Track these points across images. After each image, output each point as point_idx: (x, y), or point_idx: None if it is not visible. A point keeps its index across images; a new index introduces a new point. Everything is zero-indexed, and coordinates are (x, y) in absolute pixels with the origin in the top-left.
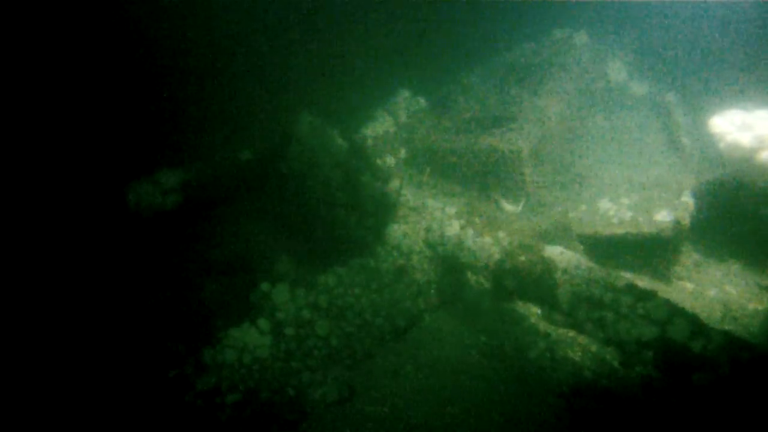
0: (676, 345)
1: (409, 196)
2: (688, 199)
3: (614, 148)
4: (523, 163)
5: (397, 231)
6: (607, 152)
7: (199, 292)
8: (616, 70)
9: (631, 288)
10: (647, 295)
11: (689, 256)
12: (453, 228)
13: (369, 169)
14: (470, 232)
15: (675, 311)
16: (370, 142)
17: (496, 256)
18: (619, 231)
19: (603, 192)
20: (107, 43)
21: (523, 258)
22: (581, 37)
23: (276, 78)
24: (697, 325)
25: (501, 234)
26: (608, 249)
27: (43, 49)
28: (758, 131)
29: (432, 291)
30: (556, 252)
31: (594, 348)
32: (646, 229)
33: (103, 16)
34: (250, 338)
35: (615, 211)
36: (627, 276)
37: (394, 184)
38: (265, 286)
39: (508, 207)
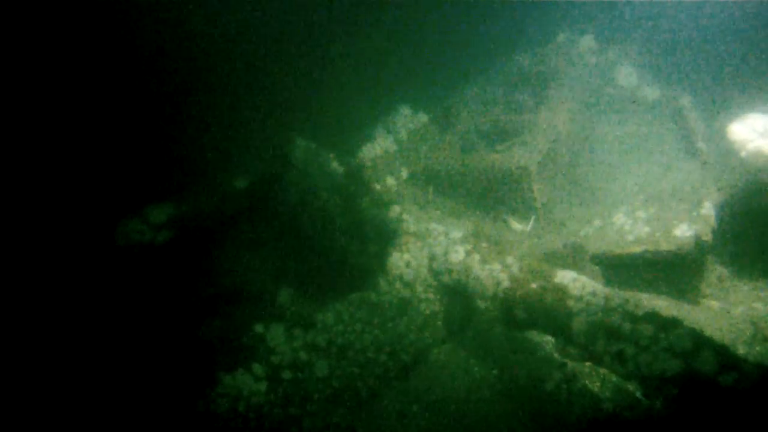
0: (703, 379)
1: (411, 220)
2: (708, 211)
3: (627, 157)
4: (531, 180)
5: (399, 260)
6: (620, 161)
7: (195, 331)
8: (626, 75)
9: (651, 316)
10: (670, 324)
11: (713, 271)
12: (458, 254)
13: (368, 194)
14: (477, 257)
15: (701, 342)
16: (368, 163)
17: (505, 284)
18: (636, 250)
19: (617, 204)
20: (90, 66)
21: (533, 285)
22: (587, 41)
23: (269, 100)
24: (726, 357)
25: (509, 259)
26: (625, 269)
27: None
28: None
29: (438, 322)
30: (568, 278)
31: (614, 378)
32: (665, 246)
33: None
34: (245, 385)
35: (630, 225)
36: (646, 299)
37: (394, 210)
38: (259, 327)
39: (517, 226)
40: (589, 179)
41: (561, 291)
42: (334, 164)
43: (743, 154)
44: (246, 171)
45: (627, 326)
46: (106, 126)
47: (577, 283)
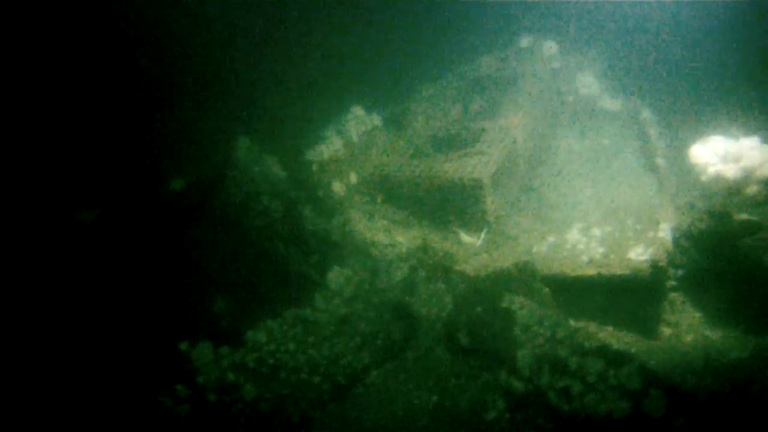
0: (652, 423)
1: (355, 230)
2: (665, 234)
3: (585, 169)
4: (484, 192)
5: (339, 275)
6: (578, 173)
7: (118, 346)
8: (588, 84)
9: (601, 350)
10: (619, 359)
11: (666, 296)
12: (403, 270)
13: (311, 202)
14: (422, 275)
15: (651, 379)
16: (315, 167)
17: (449, 306)
18: (589, 272)
19: (573, 219)
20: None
21: (479, 309)
22: (550, 47)
23: (212, 97)
24: (677, 396)
25: (456, 278)
26: (578, 292)
27: None
28: (745, 163)
29: (379, 342)
30: (516, 303)
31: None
32: (619, 270)
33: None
34: (166, 409)
35: (585, 244)
36: (596, 329)
37: (338, 220)
38: (184, 345)
39: (468, 239)
40: (545, 191)
41: (508, 317)
42: (276, 168)
43: (703, 178)
44: (185, 172)
45: (575, 360)
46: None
47: (524, 310)
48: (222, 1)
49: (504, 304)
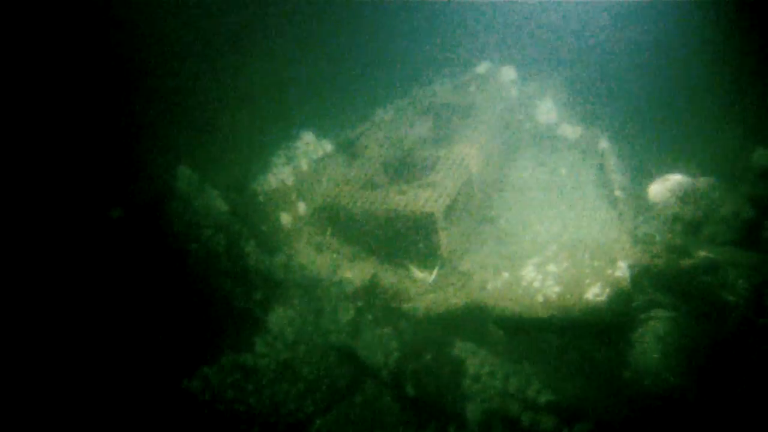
0: None
1: (303, 264)
2: (623, 273)
3: (543, 200)
4: (437, 227)
5: (281, 316)
6: (535, 204)
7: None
8: (546, 111)
9: (554, 406)
10: (574, 415)
11: (625, 337)
12: (349, 312)
13: (255, 236)
14: (368, 318)
15: None
16: (261, 198)
17: (396, 354)
18: (544, 314)
19: (529, 252)
20: None
21: (428, 357)
22: (508, 73)
23: (153, 122)
24: None
25: (403, 324)
26: (533, 333)
27: None
28: (702, 203)
29: (323, 388)
30: (467, 350)
31: None
32: (576, 312)
33: None
34: None
35: (540, 282)
36: (548, 378)
37: (282, 257)
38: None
39: (420, 274)
40: (500, 223)
41: (457, 367)
42: (219, 201)
43: (662, 217)
44: (125, 200)
45: (527, 417)
46: None
47: (475, 358)
48: (164, 18)
49: (454, 351)
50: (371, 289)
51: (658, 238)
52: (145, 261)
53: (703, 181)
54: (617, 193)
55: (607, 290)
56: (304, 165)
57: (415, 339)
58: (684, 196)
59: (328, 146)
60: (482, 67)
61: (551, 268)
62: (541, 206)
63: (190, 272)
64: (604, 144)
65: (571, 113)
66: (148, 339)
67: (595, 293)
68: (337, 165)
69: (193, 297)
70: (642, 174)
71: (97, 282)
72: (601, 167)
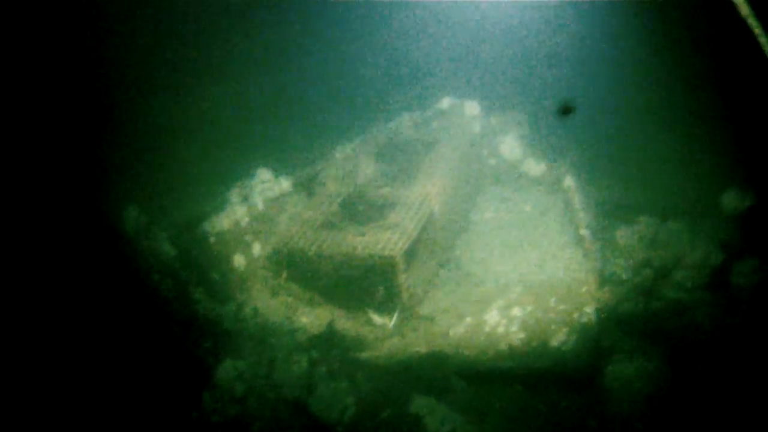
0: None
1: (257, 309)
2: (590, 318)
3: (507, 239)
4: (397, 271)
5: (230, 369)
6: (499, 243)
7: None
8: (510, 147)
9: None
10: None
11: (594, 386)
12: (302, 364)
13: (204, 282)
14: (323, 370)
15: None
16: (213, 240)
17: (352, 410)
18: (508, 364)
19: (493, 295)
20: None
21: (385, 414)
22: (472, 108)
23: (97, 157)
24: None
25: (360, 376)
26: (496, 384)
27: None
28: (672, 247)
29: None
30: (427, 406)
31: None
32: (542, 361)
33: None
34: None
35: (505, 327)
36: None
37: (233, 304)
38: None
39: (379, 320)
40: (464, 263)
41: (415, 426)
42: (166, 244)
43: (630, 262)
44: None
45: None
46: None
47: (435, 416)
48: (112, 42)
49: (413, 408)
50: (328, 337)
51: (624, 277)
52: (88, 308)
53: (672, 225)
54: (583, 231)
55: (574, 337)
56: (260, 204)
57: (373, 393)
58: (653, 241)
59: (285, 184)
60: (444, 103)
61: (516, 312)
62: (505, 245)
63: (135, 319)
64: (569, 181)
65: (535, 148)
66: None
67: (561, 340)
68: (295, 204)
69: (139, 345)
70: (608, 211)
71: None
72: (567, 204)
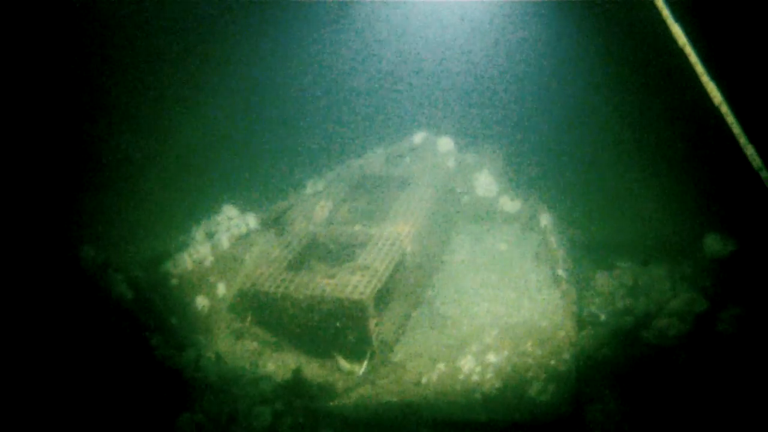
0: None
1: (219, 354)
2: (569, 367)
3: (482, 279)
4: (367, 315)
5: (188, 424)
6: (474, 284)
7: None
8: (485, 183)
9: None
10: None
11: None
12: (265, 418)
13: (163, 327)
14: (287, 423)
15: None
16: (174, 281)
17: None
18: (483, 417)
19: (468, 339)
20: None
21: None
22: (445, 143)
23: (52, 193)
24: None
25: (327, 429)
26: None
27: None
28: (655, 295)
29: None
30: None
31: None
32: (519, 414)
33: None
34: None
35: (479, 375)
36: None
37: (191, 352)
38: None
39: (349, 366)
40: (436, 306)
41: None
42: (123, 286)
43: (610, 308)
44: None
45: None
46: None
47: None
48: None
49: None
50: (294, 386)
51: (603, 318)
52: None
53: (653, 270)
54: (560, 272)
55: (551, 387)
56: (225, 242)
57: None
58: (634, 287)
59: (252, 221)
60: (418, 137)
61: (491, 357)
62: (480, 286)
63: (86, 368)
64: (545, 218)
65: (510, 185)
66: None
67: (538, 389)
68: (262, 242)
69: (87, 396)
70: (586, 250)
71: None
72: (543, 243)
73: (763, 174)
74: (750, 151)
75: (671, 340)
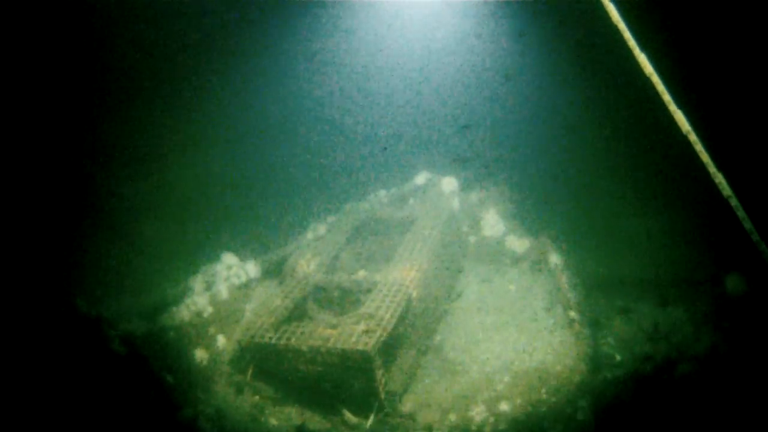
0: None
1: (219, 411)
2: (585, 416)
3: (491, 322)
4: (373, 366)
5: None
6: (483, 328)
7: None
8: (491, 223)
9: None
10: None
11: None
12: None
13: (156, 387)
14: None
15: None
16: (171, 334)
17: None
18: None
19: (479, 387)
20: None
21: None
22: (449, 183)
23: (39, 243)
24: None
25: None
26: None
27: None
28: (675, 338)
29: None
30: None
31: None
32: None
33: None
34: None
35: (492, 426)
36: None
37: (188, 411)
38: None
39: (354, 420)
40: (445, 352)
41: None
42: (116, 343)
43: (629, 355)
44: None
45: None
46: None
47: None
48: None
49: None
50: None
51: (618, 358)
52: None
53: (672, 312)
54: (572, 314)
55: None
56: (224, 292)
57: None
58: (654, 332)
59: (253, 270)
60: (421, 178)
61: (504, 406)
62: (490, 330)
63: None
64: (554, 258)
65: (517, 223)
66: None
67: None
68: (262, 291)
69: None
70: (598, 289)
71: None
72: (553, 283)
73: (733, 202)
74: (719, 178)
75: (695, 387)
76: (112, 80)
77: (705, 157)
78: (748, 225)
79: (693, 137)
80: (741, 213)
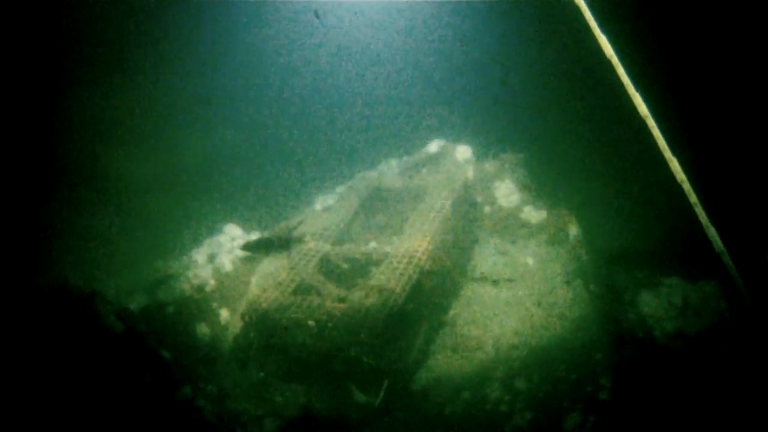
0: None
1: (221, 391)
2: (607, 395)
3: (507, 297)
4: (383, 339)
5: None
6: (499, 302)
7: None
8: (507, 193)
9: None
10: None
11: None
12: None
13: (153, 365)
14: None
15: None
16: (171, 309)
17: None
18: None
19: (494, 363)
20: None
21: None
22: (463, 152)
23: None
24: None
25: None
26: None
27: None
28: (708, 313)
29: None
30: None
31: None
32: None
33: None
34: None
35: (508, 405)
36: None
37: (185, 391)
38: None
39: (363, 397)
40: (459, 327)
41: None
42: (111, 319)
43: (657, 333)
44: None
45: None
46: None
47: None
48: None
49: None
50: (302, 424)
51: (641, 334)
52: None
53: (704, 286)
54: (593, 287)
55: (591, 418)
56: (227, 264)
57: None
58: (684, 306)
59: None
60: (434, 146)
61: (520, 384)
62: (506, 304)
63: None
64: (574, 229)
65: (534, 194)
66: None
67: (575, 422)
68: (268, 264)
69: None
70: (621, 263)
71: None
72: (573, 256)
73: (685, 186)
74: (674, 164)
75: (728, 368)
76: (119, 48)
77: (662, 141)
78: None
79: (651, 122)
80: None
